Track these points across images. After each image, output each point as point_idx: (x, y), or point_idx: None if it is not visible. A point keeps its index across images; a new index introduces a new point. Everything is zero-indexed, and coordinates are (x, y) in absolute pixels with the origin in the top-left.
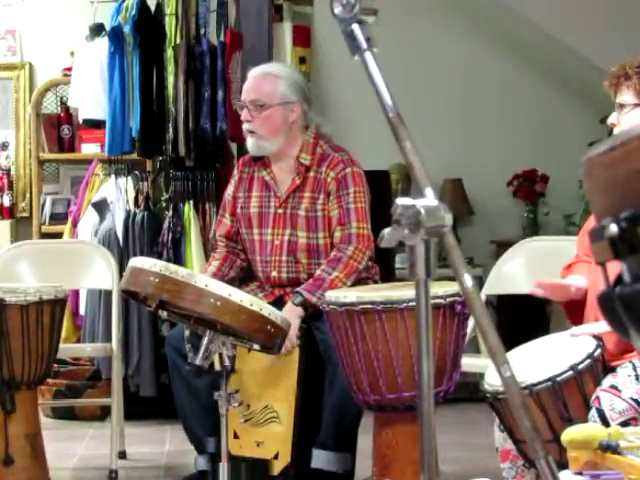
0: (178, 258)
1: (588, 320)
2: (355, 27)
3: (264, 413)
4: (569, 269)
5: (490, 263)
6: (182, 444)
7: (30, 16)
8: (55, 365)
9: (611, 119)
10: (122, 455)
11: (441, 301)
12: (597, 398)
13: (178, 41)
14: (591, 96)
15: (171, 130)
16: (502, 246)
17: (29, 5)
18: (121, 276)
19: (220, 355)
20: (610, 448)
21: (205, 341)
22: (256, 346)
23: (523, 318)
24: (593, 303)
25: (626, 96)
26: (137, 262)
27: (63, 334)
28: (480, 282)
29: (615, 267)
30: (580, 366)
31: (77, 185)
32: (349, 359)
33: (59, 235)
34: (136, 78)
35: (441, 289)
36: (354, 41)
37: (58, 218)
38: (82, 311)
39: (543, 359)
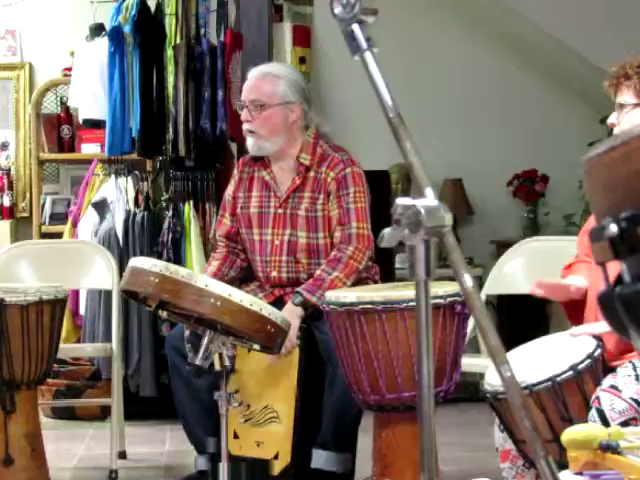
0: (178, 258)
1: (588, 320)
2: (355, 27)
3: (264, 413)
4: (569, 269)
5: (490, 263)
6: (182, 444)
7: (30, 16)
8: (55, 365)
9: (611, 119)
10: (122, 455)
11: (441, 301)
12: (597, 398)
13: (178, 41)
14: (591, 96)
15: (171, 130)
16: (502, 246)
17: (29, 5)
18: (121, 276)
19: (220, 355)
20: (610, 448)
21: (205, 341)
22: (256, 346)
23: (523, 318)
24: (593, 303)
25: (626, 96)
26: (137, 262)
27: (63, 334)
28: (480, 282)
29: (615, 267)
30: (580, 366)
31: (77, 185)
32: (349, 359)
33: (59, 235)
34: (136, 78)
35: (441, 289)
36: (354, 41)
37: (58, 218)
38: (82, 311)
39: (543, 359)
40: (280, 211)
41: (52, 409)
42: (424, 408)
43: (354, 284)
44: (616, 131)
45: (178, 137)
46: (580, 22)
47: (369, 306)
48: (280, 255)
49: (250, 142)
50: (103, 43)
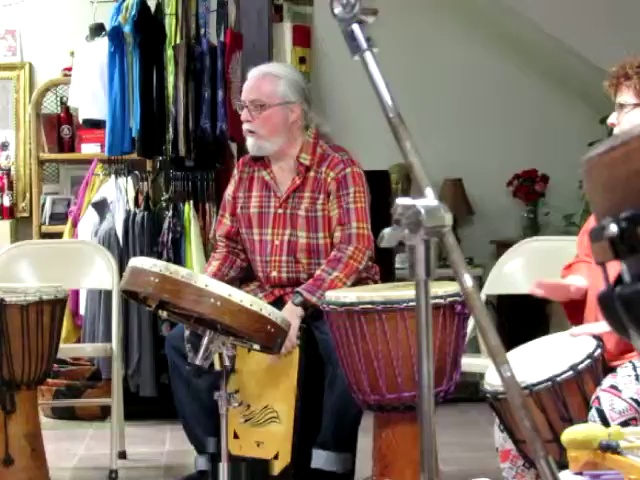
0: (178, 258)
1: (588, 320)
2: (355, 27)
3: (264, 413)
4: (569, 269)
5: (490, 263)
6: (182, 444)
7: (30, 16)
8: (55, 365)
9: (611, 119)
10: (122, 455)
11: (441, 301)
12: (597, 398)
13: (178, 41)
14: (591, 96)
15: (171, 130)
16: (502, 246)
17: (29, 5)
18: (121, 276)
19: (220, 355)
20: (610, 448)
21: (205, 341)
22: (256, 346)
23: (523, 318)
24: (593, 303)
25: (626, 96)
26: (137, 262)
27: (63, 334)
28: (480, 282)
29: (615, 267)
30: (580, 366)
31: (77, 185)
32: (349, 359)
33: (59, 235)
34: (136, 78)
35: (441, 289)
36: (354, 41)
37: (58, 218)
38: (82, 311)
39: (543, 359)
40: (280, 211)
41: (52, 409)
42: (424, 408)
43: (354, 284)
44: (616, 131)
45: (178, 137)
46: (580, 22)
47: (369, 306)
48: (280, 255)
49: (250, 142)
50: (103, 43)
